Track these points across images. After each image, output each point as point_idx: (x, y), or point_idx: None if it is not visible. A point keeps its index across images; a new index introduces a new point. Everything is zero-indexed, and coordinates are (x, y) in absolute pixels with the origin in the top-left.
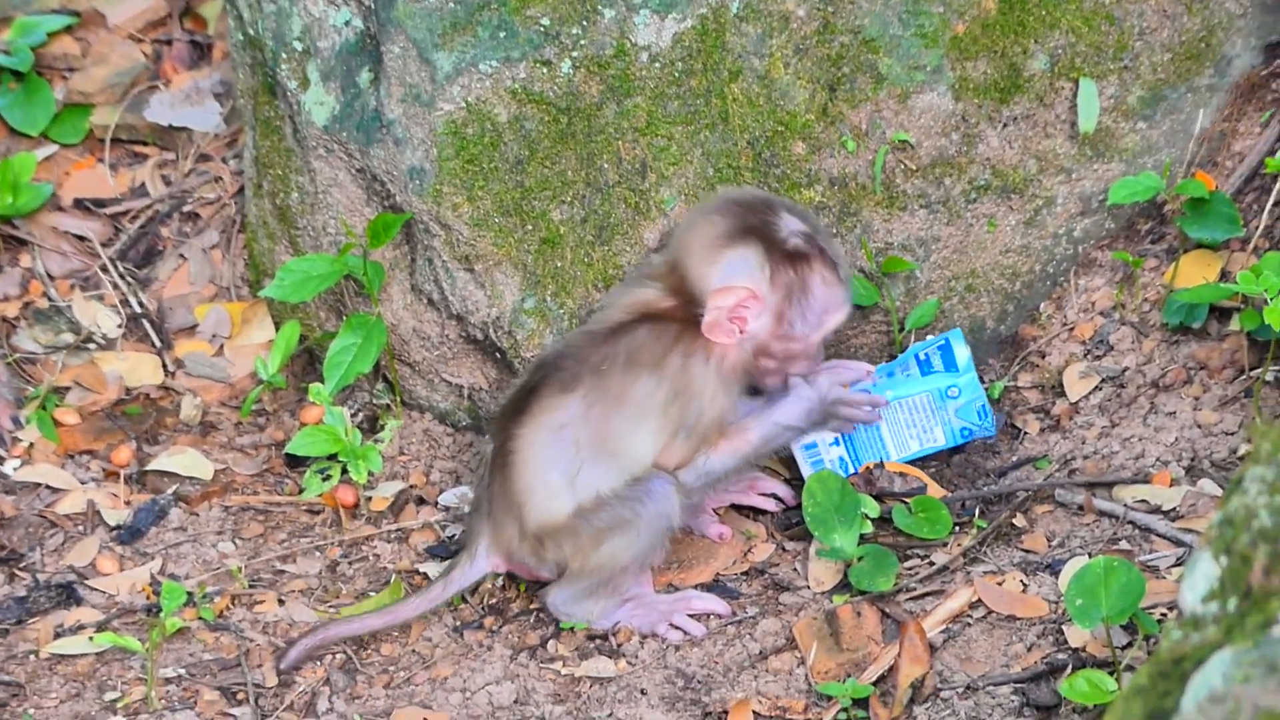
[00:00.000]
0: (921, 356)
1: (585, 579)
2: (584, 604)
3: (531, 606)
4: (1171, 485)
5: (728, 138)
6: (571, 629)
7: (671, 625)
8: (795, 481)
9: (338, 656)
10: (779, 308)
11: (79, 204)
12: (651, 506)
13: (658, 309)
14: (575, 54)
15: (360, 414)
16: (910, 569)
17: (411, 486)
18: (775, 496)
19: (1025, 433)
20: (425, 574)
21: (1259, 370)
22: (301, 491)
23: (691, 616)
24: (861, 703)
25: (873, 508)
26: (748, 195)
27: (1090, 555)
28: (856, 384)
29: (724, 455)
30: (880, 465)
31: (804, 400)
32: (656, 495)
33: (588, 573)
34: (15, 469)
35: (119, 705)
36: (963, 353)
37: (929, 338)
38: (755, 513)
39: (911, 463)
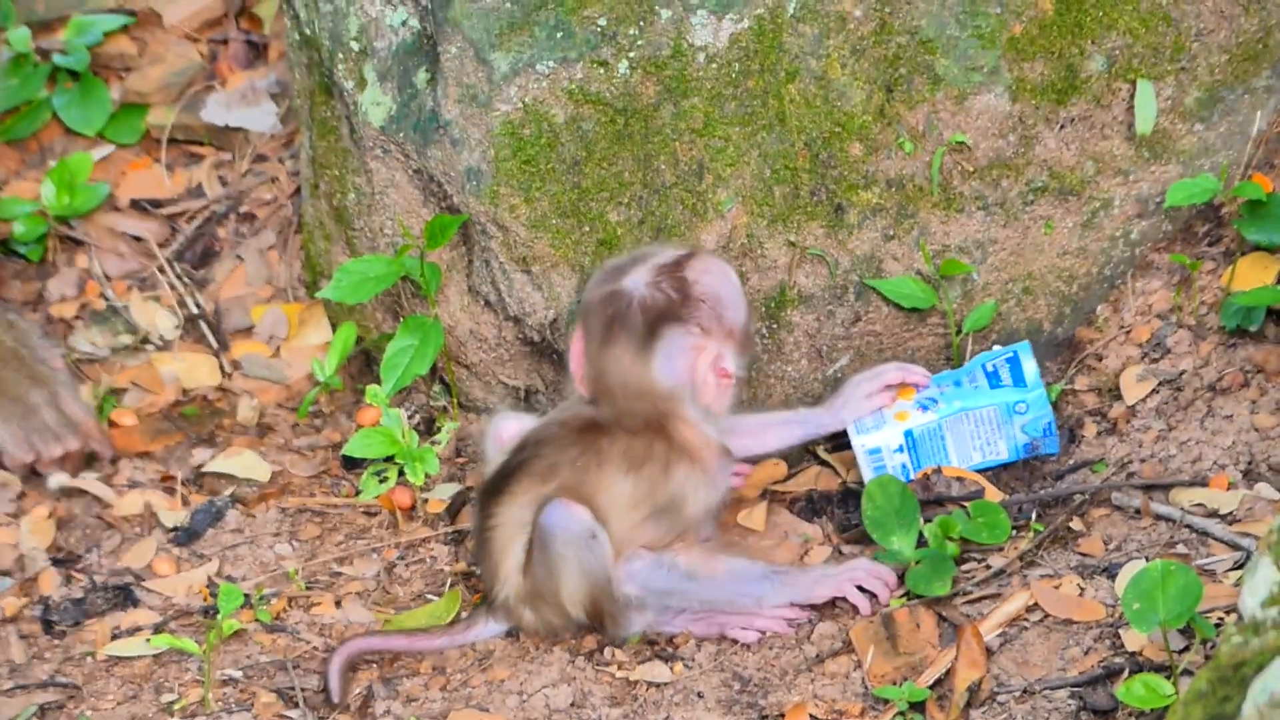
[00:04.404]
0: (989, 368)
1: (596, 614)
2: (622, 624)
3: None
4: (1229, 489)
5: (785, 139)
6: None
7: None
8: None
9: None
10: (724, 330)
11: (135, 204)
12: (556, 538)
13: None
14: (632, 54)
15: (417, 416)
16: (967, 572)
17: (468, 488)
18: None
19: (1082, 436)
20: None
21: None
22: (358, 493)
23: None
24: (918, 706)
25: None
26: (607, 301)
27: (1147, 559)
28: (916, 387)
29: (690, 561)
30: (938, 470)
31: (768, 585)
32: (554, 524)
33: (585, 610)
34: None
35: (176, 707)
36: (1031, 367)
37: (995, 349)
38: (813, 514)
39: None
